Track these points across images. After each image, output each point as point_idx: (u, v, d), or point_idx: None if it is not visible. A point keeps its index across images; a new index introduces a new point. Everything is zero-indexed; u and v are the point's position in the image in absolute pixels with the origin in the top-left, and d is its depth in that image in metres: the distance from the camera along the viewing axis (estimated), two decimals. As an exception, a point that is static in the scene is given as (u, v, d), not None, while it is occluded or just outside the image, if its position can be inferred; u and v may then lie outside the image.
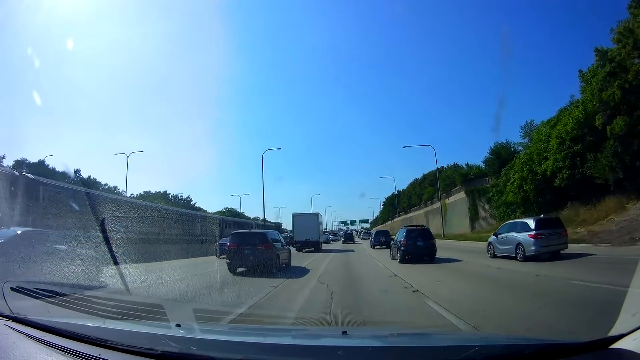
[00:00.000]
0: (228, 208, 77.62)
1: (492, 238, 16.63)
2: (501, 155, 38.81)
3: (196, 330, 2.71)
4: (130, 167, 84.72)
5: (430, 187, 60.74)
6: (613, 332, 1.97)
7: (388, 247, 22.98)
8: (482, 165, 43.91)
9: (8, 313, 2.76)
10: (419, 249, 16.11)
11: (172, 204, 59.15)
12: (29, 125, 60.13)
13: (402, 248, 16.29)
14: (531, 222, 14.27)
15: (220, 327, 4.38)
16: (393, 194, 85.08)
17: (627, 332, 1.88)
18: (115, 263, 9.19)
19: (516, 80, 66.82)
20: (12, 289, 3.75)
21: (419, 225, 18.80)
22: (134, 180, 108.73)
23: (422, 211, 62.40)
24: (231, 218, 60.96)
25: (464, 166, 49.29)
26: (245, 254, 13.38)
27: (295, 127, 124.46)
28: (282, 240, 17.01)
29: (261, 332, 3.67)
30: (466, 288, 9.39)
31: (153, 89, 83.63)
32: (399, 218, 76.85)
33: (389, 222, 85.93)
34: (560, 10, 54.54)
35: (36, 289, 4.53)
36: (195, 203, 70.90)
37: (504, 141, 40.93)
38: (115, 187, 54.59)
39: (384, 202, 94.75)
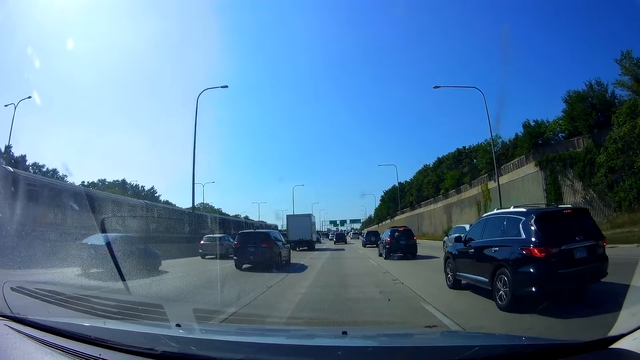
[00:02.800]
0: (203, 203, 67.57)
1: (445, 238, 21.21)
2: (594, 103, 24.76)
3: (196, 330, 2.71)
4: (88, 154, 76.52)
5: (454, 170, 45.18)
6: (613, 332, 1.98)
7: (377, 245, 25.95)
8: (560, 123, 27.10)
9: (8, 313, 2.75)
10: (402, 247, 18.40)
11: (131, 194, 50.89)
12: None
13: (387, 246, 18.58)
14: (467, 226, 18.99)
15: (220, 327, 4.38)
16: (394, 187, 67.49)
17: (627, 332, 1.89)
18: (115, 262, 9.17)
19: (514, 82, 65.44)
20: (12, 289, 3.75)
21: (402, 227, 20.99)
22: (89, 167, 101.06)
23: (439, 204, 47.76)
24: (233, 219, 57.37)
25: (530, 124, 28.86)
26: (250, 252, 14.40)
27: (286, 125, 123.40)
28: (282, 239, 18.15)
29: (261, 332, 3.67)
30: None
31: (136, 80, 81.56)
32: (403, 215, 62.30)
33: (388, 220, 71.18)
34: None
35: (36, 289, 4.54)
36: (160, 195, 63.70)
37: (593, 80, 25.33)
38: (54, 170, 46.19)
39: (382, 196, 77.92)
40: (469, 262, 7.77)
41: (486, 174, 33.58)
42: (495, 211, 8.04)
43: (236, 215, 68.06)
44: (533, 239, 6.01)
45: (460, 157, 48.35)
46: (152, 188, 65.34)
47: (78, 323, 2.69)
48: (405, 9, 61.84)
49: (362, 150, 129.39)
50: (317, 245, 35.50)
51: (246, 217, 71.79)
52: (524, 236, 6.18)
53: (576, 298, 6.31)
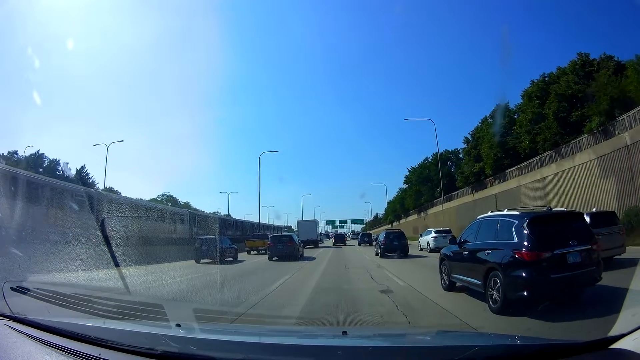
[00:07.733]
0: (165, 194, 61.09)
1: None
2: None
3: (196, 330, 2.71)
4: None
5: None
6: (613, 332, 1.97)
7: (371, 244, 33.84)
8: None
9: (8, 313, 2.75)
10: (395, 247, 21.32)
11: (44, 173, 35.79)
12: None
13: (382, 246, 21.68)
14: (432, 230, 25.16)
15: (221, 327, 4.38)
16: (426, 161, 45.16)
17: (627, 332, 1.89)
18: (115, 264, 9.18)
19: (513, 81, 64.31)
20: (12, 288, 3.74)
21: (395, 229, 25.21)
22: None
23: (581, 159, 21.83)
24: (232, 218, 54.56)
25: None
26: (280, 248, 21.70)
27: (283, 125, 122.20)
28: (298, 239, 25.91)
29: (261, 332, 3.67)
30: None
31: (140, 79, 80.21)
32: (450, 204, 38.59)
33: (415, 215, 50.74)
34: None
35: (36, 288, 4.53)
36: (92, 177, 45.69)
37: None
38: None
39: (406, 177, 52.42)
40: (463, 265, 7.76)
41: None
42: (489, 213, 7.98)
43: (215, 212, 61.07)
44: (525, 243, 5.98)
45: (592, 69, 23.74)
46: (83, 168, 45.95)
47: (78, 323, 2.69)
48: (404, 8, 61.59)
49: (361, 147, 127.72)
50: (319, 245, 43.01)
51: (227, 215, 61.33)
52: (516, 240, 6.16)
53: (570, 302, 6.26)
